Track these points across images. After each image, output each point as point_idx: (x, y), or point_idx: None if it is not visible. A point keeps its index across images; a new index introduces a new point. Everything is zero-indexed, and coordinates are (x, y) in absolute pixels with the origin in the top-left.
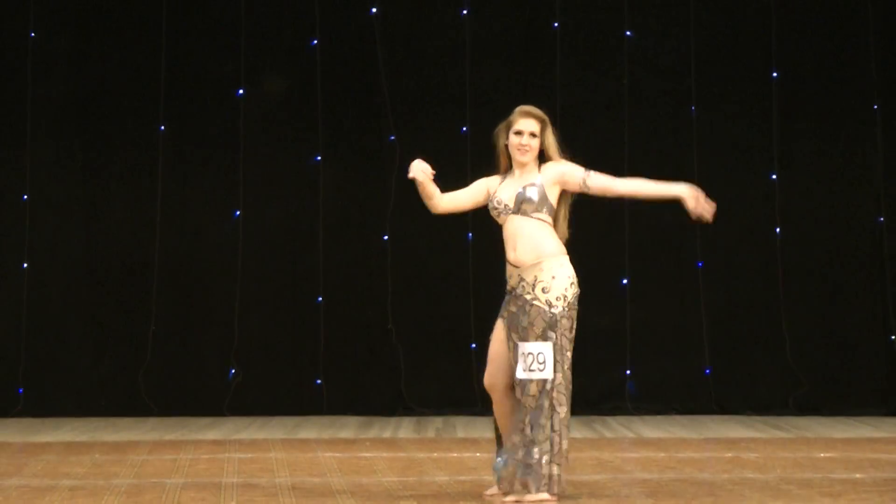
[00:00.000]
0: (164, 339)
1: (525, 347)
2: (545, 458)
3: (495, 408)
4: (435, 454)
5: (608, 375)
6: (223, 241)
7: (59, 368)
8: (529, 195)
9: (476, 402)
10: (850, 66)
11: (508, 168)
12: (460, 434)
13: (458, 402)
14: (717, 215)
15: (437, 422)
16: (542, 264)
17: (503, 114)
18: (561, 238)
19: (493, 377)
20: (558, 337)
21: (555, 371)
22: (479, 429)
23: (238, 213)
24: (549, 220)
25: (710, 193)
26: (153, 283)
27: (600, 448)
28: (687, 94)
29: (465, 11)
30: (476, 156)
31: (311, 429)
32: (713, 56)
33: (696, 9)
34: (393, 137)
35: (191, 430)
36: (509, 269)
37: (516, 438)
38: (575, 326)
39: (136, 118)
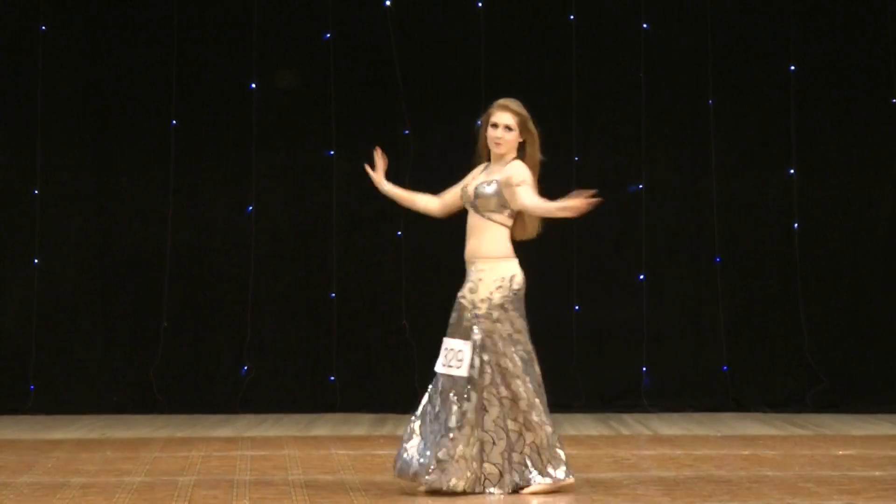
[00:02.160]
0: (176, 335)
1: (448, 343)
2: (446, 452)
3: None
4: None
5: (624, 372)
6: (236, 236)
7: (70, 365)
8: (484, 192)
9: None
10: (868, 60)
11: (489, 159)
12: None
13: None
14: (735, 210)
15: None
16: (478, 264)
17: None
18: (528, 236)
19: None
20: (483, 337)
21: (470, 370)
22: None
23: (251, 208)
24: (507, 221)
25: (727, 188)
26: (165, 278)
27: (616, 445)
28: (704, 88)
29: (479, 3)
30: None
31: (324, 426)
32: (730, 49)
33: (713, 1)
34: (407, 131)
35: (203, 427)
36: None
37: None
38: (514, 327)
39: (147, 112)
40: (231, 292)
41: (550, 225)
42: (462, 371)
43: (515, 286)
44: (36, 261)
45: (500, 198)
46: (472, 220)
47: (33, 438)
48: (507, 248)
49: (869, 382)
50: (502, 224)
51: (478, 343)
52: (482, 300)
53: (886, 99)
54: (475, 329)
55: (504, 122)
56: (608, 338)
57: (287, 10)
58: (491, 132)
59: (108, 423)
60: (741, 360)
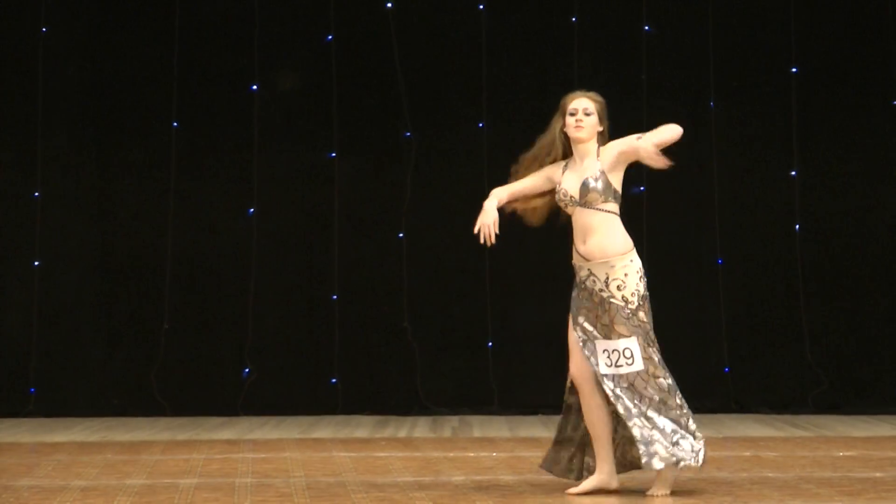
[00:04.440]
0: (178, 337)
1: (607, 345)
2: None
3: (586, 401)
4: (451, 454)
5: None
6: (237, 238)
7: (71, 367)
8: (593, 186)
9: (492, 401)
10: (870, 62)
11: (569, 155)
12: (476, 433)
13: (474, 401)
14: (737, 212)
15: (454, 421)
16: (613, 261)
17: (520, 109)
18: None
19: (580, 367)
20: (640, 330)
21: (644, 361)
22: (496, 428)
23: (252, 210)
24: (617, 209)
25: (729, 189)
26: (166, 280)
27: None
28: (706, 89)
29: (481, 6)
30: (493, 151)
31: (325, 428)
32: (732, 51)
33: (715, 2)
34: (409, 134)
35: (204, 430)
36: (578, 259)
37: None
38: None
39: (148, 114)
40: (232, 294)
41: (552, 227)
42: (637, 366)
43: (644, 277)
44: (37, 263)
45: (609, 188)
46: (586, 216)
47: (34, 441)
48: (629, 237)
49: (870, 384)
50: (616, 213)
51: (641, 334)
52: (633, 293)
53: (888, 100)
54: (635, 321)
55: (583, 107)
56: None
57: (289, 12)
58: (570, 119)
59: (108, 426)
60: (742, 362)
